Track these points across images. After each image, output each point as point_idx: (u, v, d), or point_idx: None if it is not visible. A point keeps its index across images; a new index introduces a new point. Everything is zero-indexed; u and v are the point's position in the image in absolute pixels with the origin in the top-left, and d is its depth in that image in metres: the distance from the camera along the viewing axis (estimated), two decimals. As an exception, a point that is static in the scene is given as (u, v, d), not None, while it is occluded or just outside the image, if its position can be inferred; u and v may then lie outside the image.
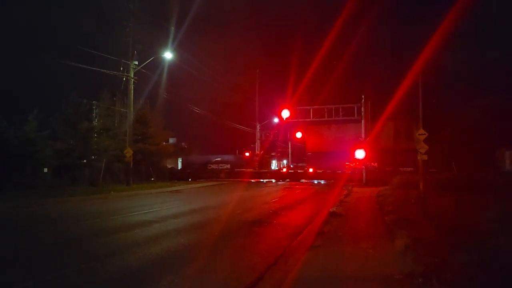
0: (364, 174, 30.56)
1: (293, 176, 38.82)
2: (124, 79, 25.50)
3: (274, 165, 62.07)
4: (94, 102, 28.98)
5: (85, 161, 26.37)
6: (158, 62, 27.61)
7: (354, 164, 38.44)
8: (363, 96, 31.26)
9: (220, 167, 44.99)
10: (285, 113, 31.00)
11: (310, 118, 33.88)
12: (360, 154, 27.33)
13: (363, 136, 30.96)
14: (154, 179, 32.76)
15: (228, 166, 44.88)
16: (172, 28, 27.66)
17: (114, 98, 29.97)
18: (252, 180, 36.34)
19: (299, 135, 41.28)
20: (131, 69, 25.68)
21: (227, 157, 49.58)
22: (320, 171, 39.08)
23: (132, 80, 25.87)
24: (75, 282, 5.63)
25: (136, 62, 25.93)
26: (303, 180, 36.91)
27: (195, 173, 41.30)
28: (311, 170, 40.92)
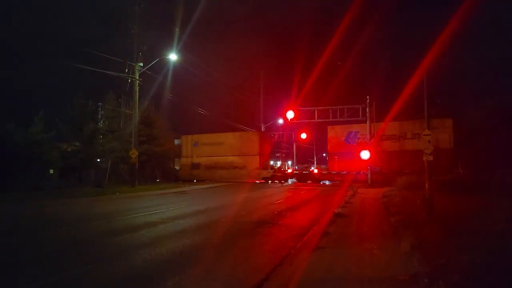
0: (369, 175, 30.46)
1: (298, 177, 38.79)
2: (130, 80, 25.62)
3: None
4: (99, 103, 29.17)
5: (90, 162, 26.51)
6: (163, 63, 27.76)
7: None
8: (367, 97, 31.14)
9: None
10: (290, 114, 30.95)
11: (315, 119, 33.76)
12: (365, 155, 27.18)
13: (368, 136, 30.84)
14: (159, 180, 32.87)
15: None
16: (177, 30, 27.82)
17: (120, 100, 30.15)
18: (257, 181, 36.35)
19: (303, 136, 41.20)
20: (136, 71, 25.80)
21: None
22: (325, 172, 39.00)
23: (137, 81, 25.99)
24: (81, 282, 5.66)
25: (141, 64, 26.06)
26: (308, 181, 36.85)
27: (200, 174, 41.20)
28: (316, 171, 40.84)
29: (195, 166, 42.79)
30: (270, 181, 37.17)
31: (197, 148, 43.02)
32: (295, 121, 33.45)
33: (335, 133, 37.90)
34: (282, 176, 38.89)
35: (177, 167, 44.82)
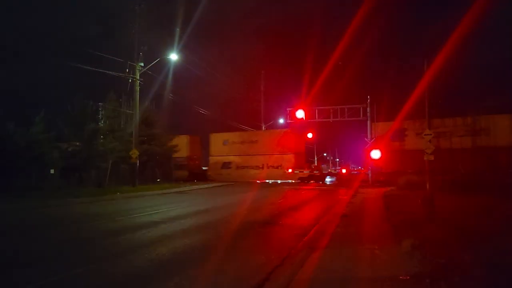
0: (370, 175, 30.45)
1: (298, 177, 38.68)
2: (130, 80, 25.63)
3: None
4: (100, 103, 29.17)
5: (91, 162, 26.49)
6: (163, 63, 27.79)
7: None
8: (368, 97, 31.14)
9: None
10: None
11: (315, 118, 33.76)
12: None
13: (369, 136, 30.83)
14: (160, 180, 32.85)
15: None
16: (178, 30, 27.84)
17: (120, 100, 30.16)
18: (258, 181, 36.31)
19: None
20: (137, 71, 25.82)
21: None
22: (326, 172, 38.94)
23: (138, 81, 26.00)
24: (81, 282, 5.65)
25: (142, 64, 26.09)
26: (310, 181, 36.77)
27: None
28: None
29: (226, 165, 41.49)
30: (306, 182, 35.56)
31: (227, 147, 41.69)
32: (296, 121, 33.42)
33: (379, 130, 32.87)
34: (319, 176, 37.57)
35: (204, 167, 44.38)
